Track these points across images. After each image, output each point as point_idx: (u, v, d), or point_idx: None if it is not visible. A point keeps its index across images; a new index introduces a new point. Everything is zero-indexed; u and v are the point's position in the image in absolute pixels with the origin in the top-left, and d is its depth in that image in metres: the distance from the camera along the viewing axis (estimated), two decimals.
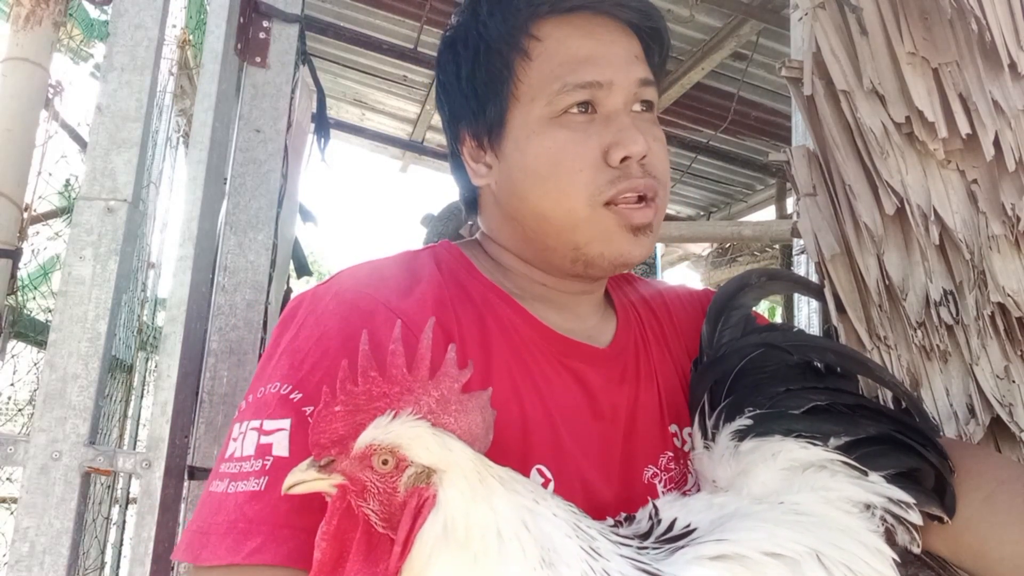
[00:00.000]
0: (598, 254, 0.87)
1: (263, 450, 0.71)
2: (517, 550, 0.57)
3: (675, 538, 0.69)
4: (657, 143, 0.89)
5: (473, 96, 0.91)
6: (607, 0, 0.89)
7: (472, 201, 0.99)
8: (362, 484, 0.58)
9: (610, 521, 0.74)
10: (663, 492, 0.89)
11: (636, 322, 1.00)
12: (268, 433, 0.72)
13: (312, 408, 0.71)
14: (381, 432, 0.58)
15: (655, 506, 0.75)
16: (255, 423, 0.73)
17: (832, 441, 0.81)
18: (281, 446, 0.71)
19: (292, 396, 0.74)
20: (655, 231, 0.89)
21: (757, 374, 0.85)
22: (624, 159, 0.84)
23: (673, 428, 0.94)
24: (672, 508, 0.75)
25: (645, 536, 0.69)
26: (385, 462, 0.58)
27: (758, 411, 0.82)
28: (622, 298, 1.03)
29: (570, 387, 0.87)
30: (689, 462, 0.92)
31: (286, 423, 0.72)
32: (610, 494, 0.84)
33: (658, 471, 0.90)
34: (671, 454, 0.92)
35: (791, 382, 0.84)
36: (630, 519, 0.74)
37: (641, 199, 0.86)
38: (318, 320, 0.79)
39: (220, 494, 0.71)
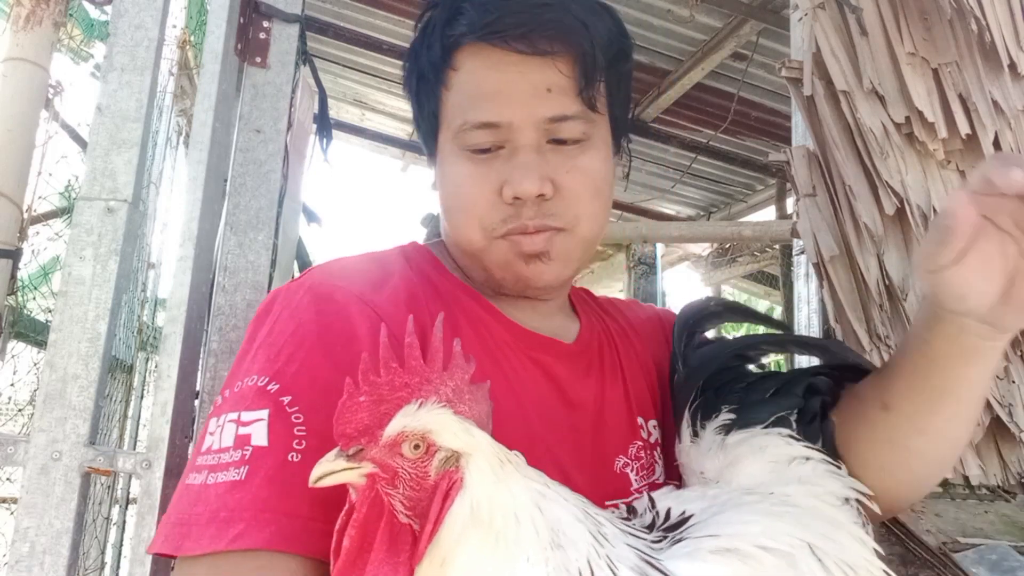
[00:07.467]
0: (501, 278, 0.91)
1: (242, 441, 0.71)
2: (532, 532, 0.60)
3: (673, 526, 0.71)
4: (573, 175, 0.86)
5: (414, 118, 0.97)
6: (509, 32, 0.84)
7: None
8: (393, 471, 0.59)
9: (622, 511, 0.75)
10: (635, 480, 0.92)
11: (600, 324, 1.04)
12: (246, 424, 0.72)
13: (290, 398, 0.72)
14: (411, 419, 0.60)
15: (651, 498, 0.78)
16: (232, 415, 0.73)
17: (792, 416, 0.89)
18: (260, 436, 0.71)
19: (269, 387, 0.74)
20: (557, 257, 0.88)
21: (723, 378, 0.93)
22: (516, 198, 0.85)
23: (640, 420, 0.97)
24: (666, 499, 0.78)
25: (650, 528, 0.71)
26: (416, 447, 0.59)
27: (732, 407, 0.89)
28: (584, 306, 1.07)
29: (539, 380, 0.90)
30: (656, 454, 0.97)
31: (264, 413, 0.72)
32: (583, 481, 0.85)
33: (629, 460, 0.93)
34: (639, 443, 0.95)
35: (748, 378, 0.93)
36: (632, 511, 0.76)
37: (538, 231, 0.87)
38: (292, 314, 0.80)
39: (199, 486, 0.71)
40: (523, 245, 0.87)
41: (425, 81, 0.91)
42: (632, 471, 0.92)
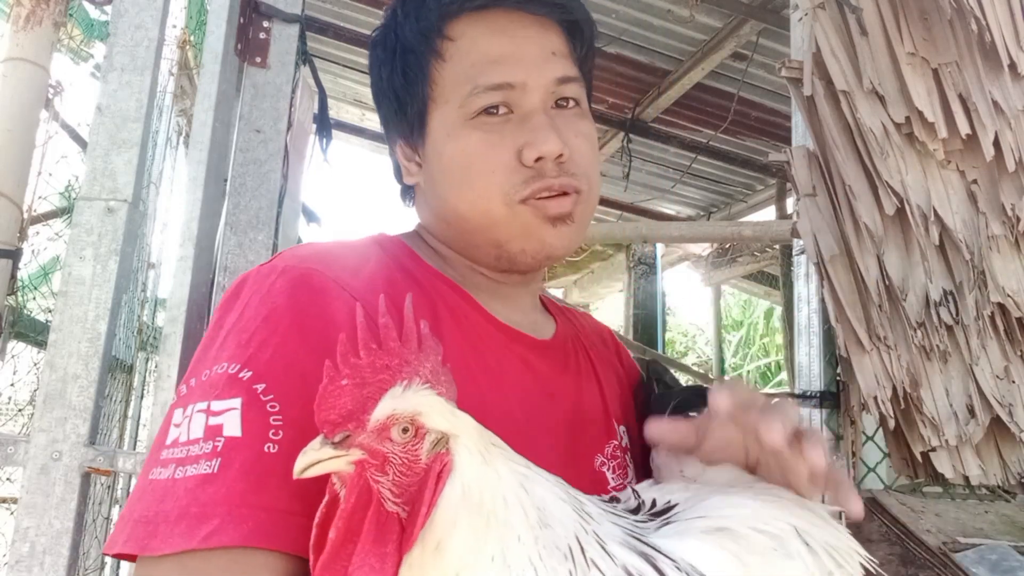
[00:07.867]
0: (519, 250, 0.88)
1: (213, 431, 0.67)
2: (520, 512, 0.59)
3: (660, 512, 0.70)
4: (580, 139, 0.89)
5: (395, 99, 0.93)
6: None
7: (407, 190, 1.01)
8: (383, 456, 0.57)
9: (604, 499, 0.75)
10: (612, 479, 0.91)
11: (571, 328, 1.04)
12: (217, 414, 0.68)
13: (264, 385, 0.69)
14: (399, 401, 0.57)
15: (633, 489, 0.77)
16: (201, 405, 0.69)
17: None
18: (232, 426, 0.67)
19: (241, 375, 0.70)
20: (577, 221, 0.89)
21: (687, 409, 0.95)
22: (538, 159, 0.85)
23: (614, 422, 0.97)
24: (650, 491, 0.77)
25: (635, 512, 0.70)
26: (405, 431, 0.57)
27: None
28: (556, 308, 1.07)
29: (521, 372, 0.88)
30: (628, 458, 0.97)
31: (236, 402, 0.68)
32: (564, 477, 0.85)
33: (606, 460, 0.92)
34: (615, 443, 0.95)
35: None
36: (615, 500, 0.75)
37: (561, 193, 0.88)
38: (264, 298, 0.76)
39: (165, 481, 0.66)
40: (549, 208, 0.86)
41: (414, 55, 0.89)
42: (609, 470, 0.91)
